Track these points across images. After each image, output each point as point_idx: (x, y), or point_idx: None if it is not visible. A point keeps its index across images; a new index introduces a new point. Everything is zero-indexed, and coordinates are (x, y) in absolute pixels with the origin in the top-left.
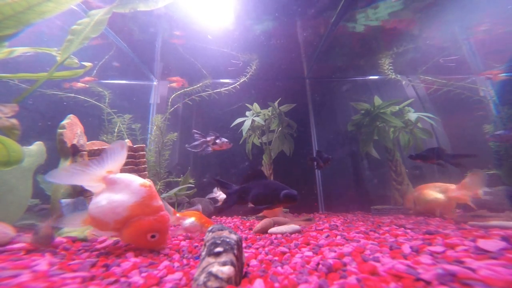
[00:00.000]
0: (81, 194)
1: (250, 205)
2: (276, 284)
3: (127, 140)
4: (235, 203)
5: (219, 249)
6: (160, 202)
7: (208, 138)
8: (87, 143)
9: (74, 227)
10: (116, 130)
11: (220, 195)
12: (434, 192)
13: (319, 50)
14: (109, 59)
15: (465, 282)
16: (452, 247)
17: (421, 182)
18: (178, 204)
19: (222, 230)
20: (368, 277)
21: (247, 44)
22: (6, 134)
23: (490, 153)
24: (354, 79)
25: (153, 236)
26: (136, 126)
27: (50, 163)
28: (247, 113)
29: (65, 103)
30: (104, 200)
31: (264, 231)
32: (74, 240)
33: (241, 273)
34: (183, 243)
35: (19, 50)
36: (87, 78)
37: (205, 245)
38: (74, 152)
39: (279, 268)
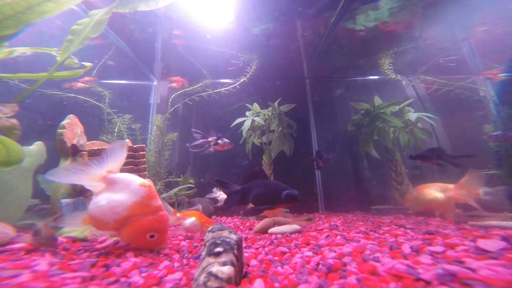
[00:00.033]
0: (81, 194)
1: (251, 205)
2: (276, 284)
3: (127, 140)
4: (236, 204)
5: (219, 249)
6: (160, 202)
7: (210, 139)
8: (87, 143)
9: (74, 227)
10: (116, 130)
11: (220, 195)
12: (433, 192)
13: (319, 50)
14: (109, 59)
15: (465, 282)
16: (452, 247)
17: (421, 182)
18: (178, 204)
19: (222, 230)
20: (368, 277)
21: (247, 44)
22: (6, 134)
23: (490, 153)
24: (354, 79)
25: (152, 236)
26: (136, 126)
27: (50, 163)
28: (247, 113)
29: (65, 103)
30: (104, 199)
31: (264, 231)
32: (74, 240)
33: (241, 273)
34: (183, 243)
35: (19, 50)
36: (86, 78)
37: (205, 245)
38: (74, 152)
39: (279, 268)
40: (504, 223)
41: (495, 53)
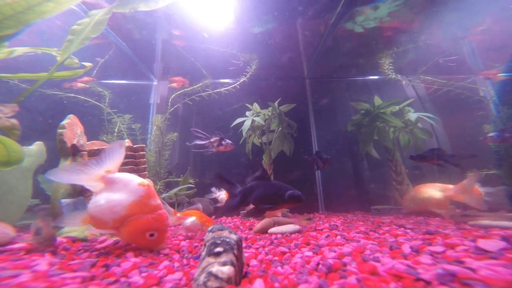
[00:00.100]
0: (81, 194)
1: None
2: (276, 284)
3: (127, 140)
4: (239, 205)
5: (219, 249)
6: (159, 201)
7: (213, 139)
8: (87, 143)
9: (74, 226)
10: (116, 130)
11: (220, 195)
12: (428, 191)
13: (319, 50)
14: (109, 59)
15: (465, 282)
16: (452, 247)
17: (421, 182)
18: (178, 204)
19: (222, 230)
20: (368, 277)
21: (247, 44)
22: (6, 134)
23: (490, 153)
24: (354, 79)
25: (152, 235)
26: (136, 126)
27: (50, 163)
28: (247, 113)
29: (65, 102)
30: (103, 199)
31: (264, 231)
32: (74, 240)
33: (241, 273)
34: (183, 243)
35: (19, 50)
36: (86, 78)
37: (205, 245)
38: (74, 152)
39: (279, 268)
40: (504, 223)
41: (495, 53)
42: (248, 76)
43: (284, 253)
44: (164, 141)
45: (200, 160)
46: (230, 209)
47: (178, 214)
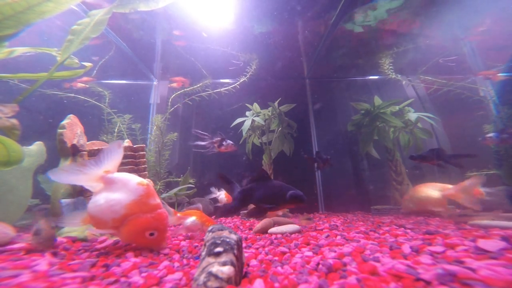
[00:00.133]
0: (81, 194)
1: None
2: (276, 284)
3: (127, 140)
4: (240, 206)
5: (219, 249)
6: (158, 200)
7: (214, 140)
8: (87, 143)
9: (74, 226)
10: (116, 130)
11: (220, 195)
12: (427, 190)
13: (319, 50)
14: (109, 59)
15: (465, 282)
16: (452, 247)
17: (421, 182)
18: (178, 204)
19: (222, 230)
20: (368, 277)
21: (247, 44)
22: (6, 134)
23: (490, 153)
24: (354, 79)
25: (151, 234)
26: (136, 126)
27: (50, 163)
28: (247, 113)
29: (65, 101)
30: (102, 199)
31: (264, 231)
32: (74, 240)
33: (241, 273)
34: (183, 243)
35: (19, 50)
36: (85, 78)
37: (205, 245)
38: (74, 152)
39: (279, 268)
40: (504, 223)
41: (495, 53)
42: (248, 76)
43: (284, 253)
44: (164, 141)
45: (200, 160)
46: (230, 210)
47: (178, 214)
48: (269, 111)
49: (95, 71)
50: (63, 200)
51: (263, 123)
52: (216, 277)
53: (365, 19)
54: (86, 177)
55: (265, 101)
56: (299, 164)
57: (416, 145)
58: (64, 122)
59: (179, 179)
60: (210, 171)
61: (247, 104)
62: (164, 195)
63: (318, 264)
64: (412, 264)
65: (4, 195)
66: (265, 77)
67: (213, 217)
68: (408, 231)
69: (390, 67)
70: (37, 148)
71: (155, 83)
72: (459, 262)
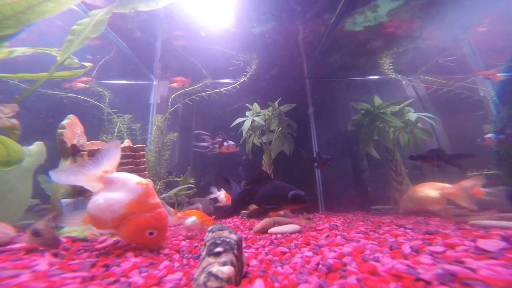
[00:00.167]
0: (81, 194)
1: (253, 206)
2: (276, 284)
3: (127, 140)
4: (241, 207)
5: (219, 249)
6: (158, 200)
7: (216, 140)
8: (87, 143)
9: (75, 226)
10: (116, 130)
11: (220, 195)
12: (426, 190)
13: (319, 50)
14: (109, 59)
15: (465, 282)
16: (452, 247)
17: (421, 182)
18: (178, 204)
19: (222, 230)
20: (368, 277)
21: (247, 44)
22: (6, 134)
23: (490, 153)
24: (354, 79)
25: (151, 233)
26: (136, 126)
27: (50, 163)
28: (247, 113)
29: (65, 101)
30: (102, 198)
31: (264, 231)
32: (74, 240)
33: (241, 273)
34: (183, 243)
35: (19, 50)
36: (84, 78)
37: (205, 245)
38: (74, 152)
39: (279, 268)
40: (504, 223)
41: (495, 53)
42: (248, 76)
43: (284, 253)
44: (164, 141)
45: (200, 160)
46: (229, 212)
47: (179, 214)
48: (269, 111)
49: (95, 71)
50: (63, 200)
51: (263, 123)
52: (216, 277)
53: (365, 19)
54: (86, 177)
55: (265, 101)
56: (299, 164)
57: (416, 145)
58: (64, 122)
59: (179, 179)
60: (210, 171)
61: (247, 104)
62: (164, 195)
63: (318, 264)
64: (412, 264)
65: (4, 195)
66: (265, 77)
67: (213, 217)
68: (408, 231)
69: (390, 67)
70: (37, 148)
71: (155, 83)
72: (459, 262)
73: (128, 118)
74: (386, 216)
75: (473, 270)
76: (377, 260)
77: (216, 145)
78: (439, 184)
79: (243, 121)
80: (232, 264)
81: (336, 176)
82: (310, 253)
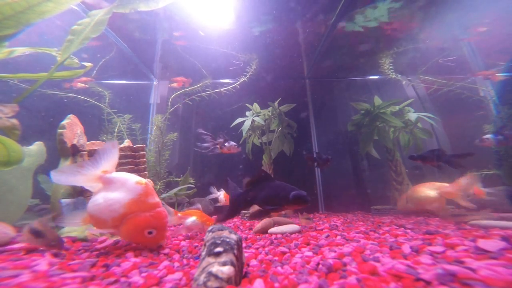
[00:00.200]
0: (81, 194)
1: (255, 207)
2: (276, 284)
3: (127, 140)
4: (242, 208)
5: (219, 249)
6: (157, 199)
7: (218, 141)
8: (87, 143)
9: (75, 226)
10: (116, 130)
11: (220, 195)
12: (425, 190)
13: (319, 50)
14: (109, 58)
15: (465, 282)
16: (452, 247)
17: (421, 182)
18: (178, 204)
19: (222, 230)
20: (368, 277)
21: (247, 44)
22: (6, 134)
23: (490, 153)
24: (354, 79)
25: (150, 233)
26: (136, 126)
27: (50, 163)
28: (247, 113)
29: (65, 100)
30: (101, 198)
31: (264, 231)
32: (74, 240)
33: (241, 273)
34: (183, 243)
35: (19, 50)
36: (84, 79)
37: (205, 245)
38: (74, 152)
39: (279, 268)
40: (504, 223)
41: (496, 54)
42: (248, 76)
43: (284, 253)
44: (164, 141)
45: (200, 160)
46: (228, 214)
47: (179, 214)
48: (269, 111)
49: (94, 71)
50: (63, 200)
51: (263, 123)
52: (216, 277)
53: (365, 19)
54: (85, 177)
55: (265, 101)
56: (299, 164)
57: (416, 145)
58: (64, 122)
59: (179, 179)
60: (210, 171)
61: (247, 104)
62: (164, 195)
63: (318, 264)
64: (412, 264)
65: (4, 195)
66: (265, 77)
67: (214, 217)
68: (408, 231)
69: (390, 67)
70: (37, 148)
71: (155, 83)
72: (459, 262)
73: (128, 118)
74: (386, 216)
75: (473, 270)
76: (377, 260)
77: (218, 146)
78: (438, 184)
79: (243, 121)
80: (232, 264)
81: (336, 176)
82: (310, 253)
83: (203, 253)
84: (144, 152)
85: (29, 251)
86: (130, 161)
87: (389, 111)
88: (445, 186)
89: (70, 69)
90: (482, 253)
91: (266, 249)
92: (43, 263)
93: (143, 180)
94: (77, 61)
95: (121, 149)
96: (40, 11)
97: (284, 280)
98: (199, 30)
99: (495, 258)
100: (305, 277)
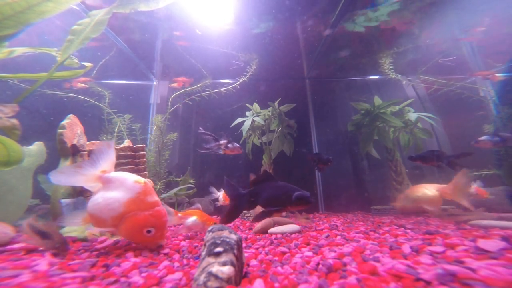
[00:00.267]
0: (81, 194)
1: (258, 208)
2: (276, 284)
3: (127, 140)
4: (244, 209)
5: (219, 249)
6: (156, 198)
7: (221, 141)
8: (87, 143)
9: (75, 225)
10: (116, 130)
11: (221, 195)
12: (422, 189)
13: (319, 50)
14: (109, 58)
15: (465, 282)
16: (452, 247)
17: (421, 182)
18: (178, 204)
19: (222, 230)
20: (368, 277)
21: (247, 44)
22: (6, 134)
23: (490, 153)
24: (354, 79)
25: (149, 231)
26: (136, 126)
27: (50, 163)
28: (247, 113)
29: (65, 99)
30: (100, 198)
31: (264, 231)
32: (74, 240)
33: (241, 273)
34: (183, 243)
35: (19, 50)
36: (83, 79)
37: (205, 245)
38: (74, 152)
39: (279, 268)
40: (504, 223)
41: (496, 54)
42: (248, 76)
43: (284, 253)
44: (164, 141)
45: (200, 160)
46: (235, 214)
47: (179, 214)
48: (269, 111)
49: (94, 71)
50: (63, 200)
51: (263, 123)
52: (216, 277)
53: (366, 19)
54: (84, 178)
55: (265, 101)
56: (299, 164)
57: (416, 145)
58: (64, 122)
59: (179, 179)
60: (210, 171)
61: (247, 104)
62: (164, 195)
63: (318, 264)
64: (412, 264)
65: (4, 195)
66: (265, 77)
67: (214, 217)
68: (408, 231)
69: (390, 67)
70: (37, 148)
71: (155, 83)
72: (459, 262)
73: (128, 118)
74: (386, 216)
75: (473, 270)
76: (377, 260)
77: (221, 147)
78: (436, 185)
79: (243, 121)
80: (232, 264)
81: (336, 176)
82: (310, 253)
83: (203, 253)
84: (144, 152)
85: (29, 251)
86: (130, 161)
87: (389, 111)
88: (443, 186)
89: (70, 69)
90: (482, 253)
91: (266, 249)
92: (43, 263)
93: (142, 179)
94: (77, 61)
95: (121, 149)
96: (40, 11)
97: (284, 280)
98: (197, 29)
99: (495, 258)
100: (305, 277)
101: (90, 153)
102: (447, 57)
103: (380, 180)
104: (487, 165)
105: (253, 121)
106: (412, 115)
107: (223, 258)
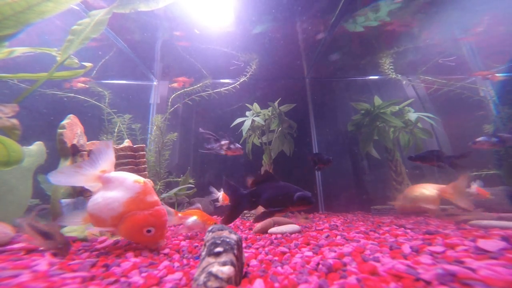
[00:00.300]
0: (81, 194)
1: (260, 208)
2: (276, 284)
3: (127, 140)
4: (245, 209)
5: (219, 249)
6: (156, 197)
7: (223, 142)
8: (87, 143)
9: (76, 225)
10: (116, 130)
11: (220, 195)
12: (421, 189)
13: (319, 50)
14: (109, 58)
15: (465, 282)
16: (452, 247)
17: (421, 182)
18: (178, 204)
19: (222, 230)
20: (368, 277)
21: (247, 44)
22: (6, 134)
23: (490, 153)
24: (354, 79)
25: (149, 231)
26: (136, 126)
27: (50, 163)
28: (247, 113)
29: (65, 99)
30: (100, 197)
31: (264, 231)
32: (74, 240)
33: (241, 273)
34: (183, 243)
35: (19, 50)
36: (83, 79)
37: (205, 245)
38: (74, 152)
39: (279, 268)
40: (504, 223)
41: (497, 54)
42: (248, 76)
43: (284, 253)
44: (164, 141)
45: (200, 160)
46: (236, 214)
47: (179, 214)
48: (269, 111)
49: (94, 71)
50: (63, 200)
51: (263, 123)
52: (216, 277)
53: (366, 19)
54: (84, 178)
55: (265, 101)
56: (299, 164)
57: (416, 145)
58: (64, 122)
59: (179, 179)
60: (210, 171)
61: (247, 104)
62: (164, 195)
63: (318, 264)
64: (412, 264)
65: (4, 195)
66: (265, 77)
67: (215, 217)
68: (408, 231)
69: (390, 67)
70: (37, 148)
71: (155, 83)
72: (459, 262)
73: (128, 118)
74: (386, 216)
75: (473, 270)
76: (377, 260)
77: (223, 147)
78: (434, 185)
79: (243, 121)
80: (232, 264)
81: (336, 176)
82: (310, 253)
83: (203, 253)
84: (144, 152)
85: (29, 251)
86: (130, 161)
87: (389, 111)
88: (442, 186)
89: (70, 69)
90: (482, 253)
91: (266, 249)
92: (43, 263)
93: (141, 179)
94: (77, 61)
95: (121, 149)
96: (39, 11)
97: (284, 280)
98: (196, 29)
99: (495, 258)
100: (305, 277)
101: (90, 153)
102: (447, 57)
103: (380, 180)
104: (487, 165)
105: (253, 121)
106: (412, 115)
107: (223, 258)
